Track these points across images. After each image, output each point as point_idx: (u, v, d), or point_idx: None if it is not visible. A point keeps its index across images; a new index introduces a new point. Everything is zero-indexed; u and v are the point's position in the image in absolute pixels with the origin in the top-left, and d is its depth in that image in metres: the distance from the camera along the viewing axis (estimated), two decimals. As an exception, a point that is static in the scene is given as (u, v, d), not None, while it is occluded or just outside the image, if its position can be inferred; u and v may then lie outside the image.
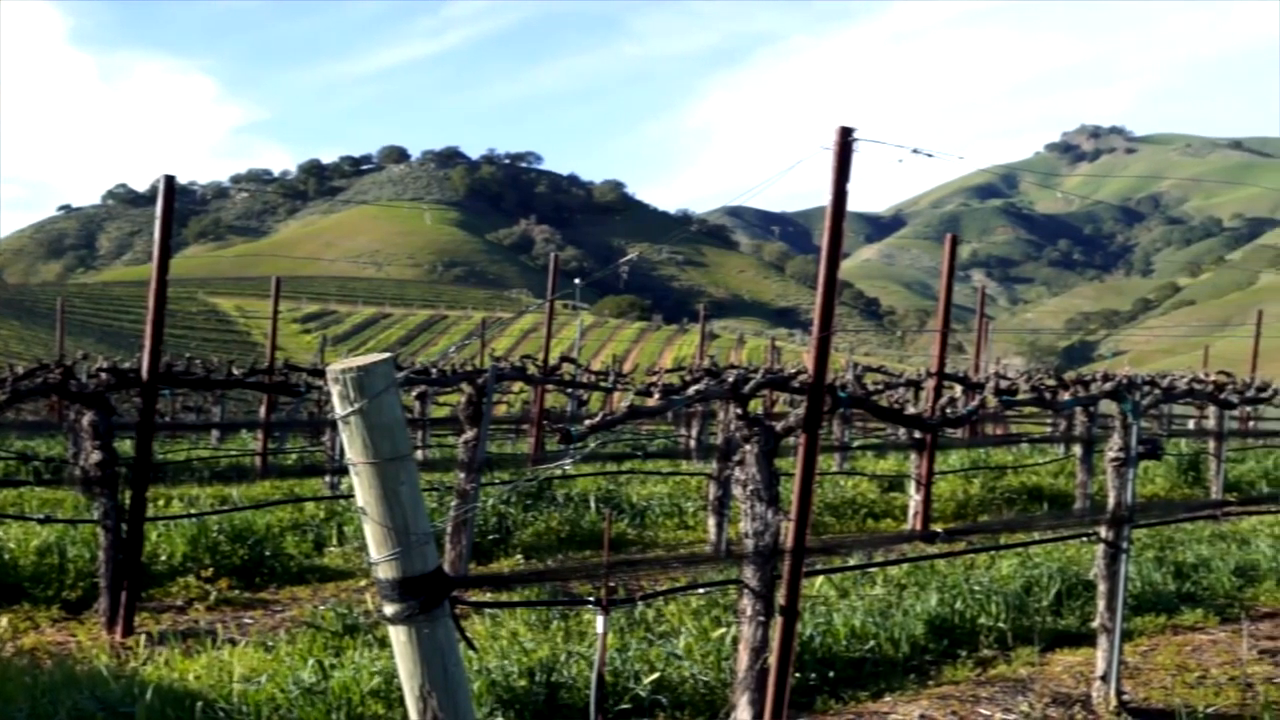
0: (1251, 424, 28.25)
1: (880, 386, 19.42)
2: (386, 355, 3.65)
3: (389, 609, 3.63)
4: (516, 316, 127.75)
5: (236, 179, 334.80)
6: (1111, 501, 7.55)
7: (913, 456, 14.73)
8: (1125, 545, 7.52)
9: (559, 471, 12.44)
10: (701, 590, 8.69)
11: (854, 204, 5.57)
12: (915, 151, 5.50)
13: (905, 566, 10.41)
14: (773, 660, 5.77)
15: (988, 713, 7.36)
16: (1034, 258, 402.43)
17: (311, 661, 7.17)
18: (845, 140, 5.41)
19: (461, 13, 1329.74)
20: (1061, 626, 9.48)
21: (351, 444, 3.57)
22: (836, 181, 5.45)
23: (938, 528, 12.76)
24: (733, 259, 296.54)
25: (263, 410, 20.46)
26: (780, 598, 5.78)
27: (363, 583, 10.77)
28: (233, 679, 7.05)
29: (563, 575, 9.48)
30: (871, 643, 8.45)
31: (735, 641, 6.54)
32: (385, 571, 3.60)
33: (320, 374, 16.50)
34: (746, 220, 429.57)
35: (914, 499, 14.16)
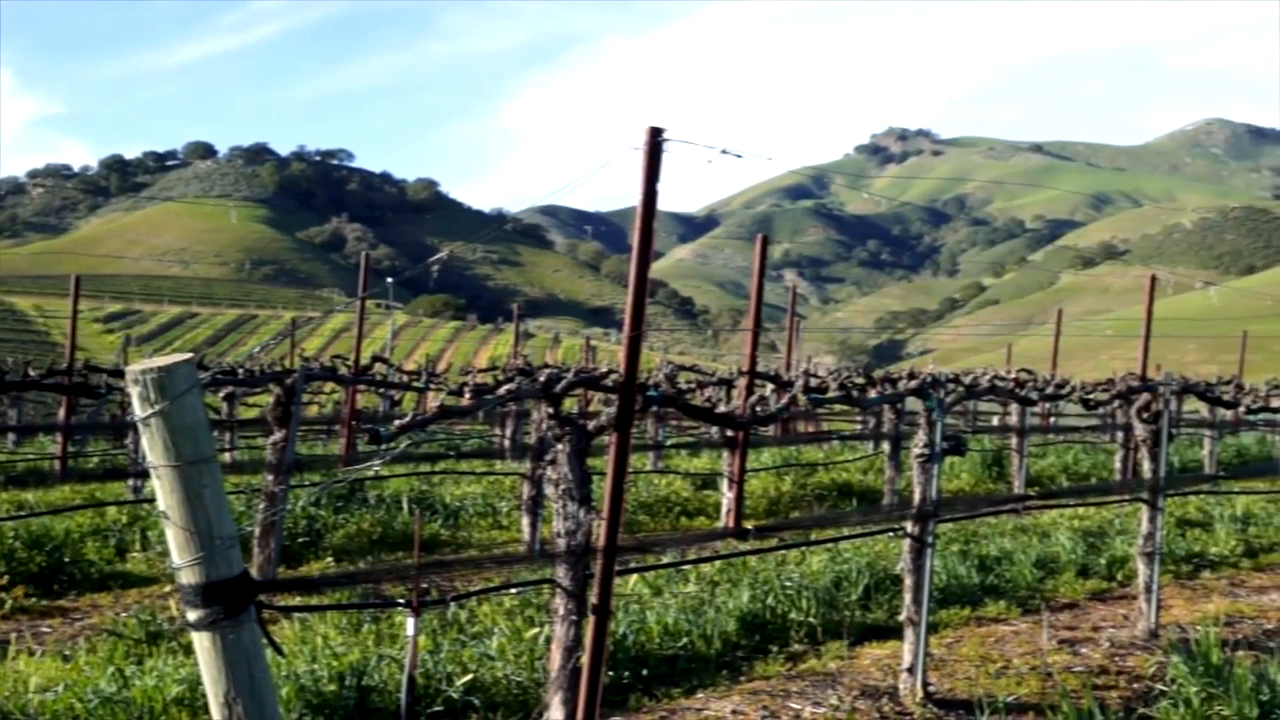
0: (1052, 420, 29.09)
1: (693, 385, 19.55)
2: (188, 355, 3.58)
3: (192, 615, 3.56)
4: (327, 316, 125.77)
5: (34, 174, 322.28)
6: (917, 497, 7.72)
7: (725, 454, 14.88)
8: (930, 540, 7.69)
9: (370, 472, 12.29)
10: (514, 590, 8.66)
11: (667, 204, 5.60)
12: (724, 152, 5.53)
13: (718, 564, 10.51)
14: (585, 659, 5.77)
15: (798, 707, 7.46)
16: (844, 258, 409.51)
17: (111, 670, 6.99)
18: (655, 140, 5.42)
19: (268, 7, 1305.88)
20: (870, 620, 9.67)
21: (152, 447, 3.48)
22: (647, 181, 5.46)
23: (750, 525, 12.93)
24: (548, 258, 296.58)
25: (62, 412, 19.85)
26: (593, 596, 5.78)
27: (167, 588, 10.50)
28: (29, 689, 6.83)
29: (374, 577, 9.36)
30: (685, 640, 8.52)
31: (549, 641, 6.53)
32: (188, 576, 3.53)
33: (122, 375, 16.06)
34: (561, 220, 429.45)
35: (727, 496, 14.28)
